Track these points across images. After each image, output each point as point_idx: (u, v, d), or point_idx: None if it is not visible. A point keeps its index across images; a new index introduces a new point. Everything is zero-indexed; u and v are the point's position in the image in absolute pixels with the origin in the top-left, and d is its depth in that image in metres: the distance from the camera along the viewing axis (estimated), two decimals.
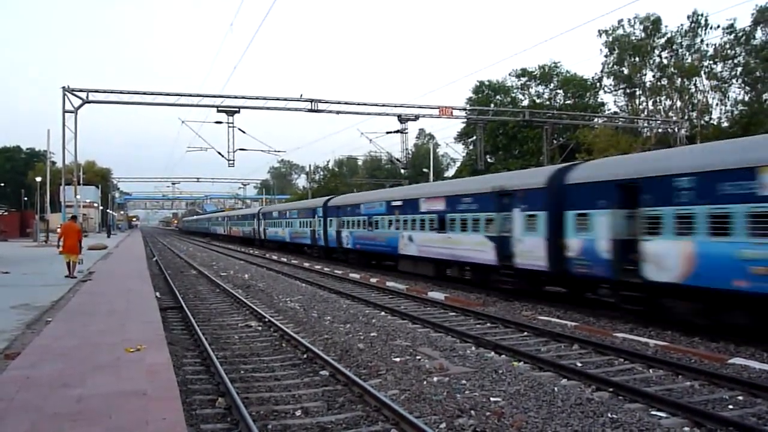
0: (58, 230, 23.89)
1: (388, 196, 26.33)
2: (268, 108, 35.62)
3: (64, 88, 32.90)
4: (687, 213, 11.49)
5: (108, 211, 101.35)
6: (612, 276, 13.40)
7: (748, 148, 11.33)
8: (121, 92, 33.40)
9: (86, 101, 33.17)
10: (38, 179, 60.59)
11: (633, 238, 12.74)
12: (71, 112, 33.12)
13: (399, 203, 24.06)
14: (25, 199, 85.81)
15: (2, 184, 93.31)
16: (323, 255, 34.49)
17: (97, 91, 33.39)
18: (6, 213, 63.07)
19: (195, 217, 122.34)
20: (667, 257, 11.86)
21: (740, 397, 7.97)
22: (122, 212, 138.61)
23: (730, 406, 7.66)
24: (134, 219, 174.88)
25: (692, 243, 11.36)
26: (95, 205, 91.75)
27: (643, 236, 12.44)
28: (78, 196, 41.26)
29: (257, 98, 34.98)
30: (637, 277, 12.58)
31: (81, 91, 33.13)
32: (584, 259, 14.05)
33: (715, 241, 10.92)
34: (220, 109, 34.49)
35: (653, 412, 7.37)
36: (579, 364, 9.77)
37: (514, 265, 16.45)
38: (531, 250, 15.77)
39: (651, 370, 9.45)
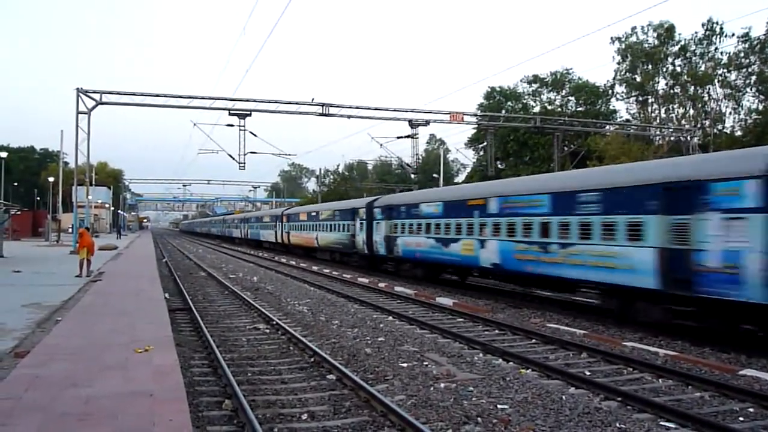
0: (70, 230, 24.19)
1: (465, 193, 21.72)
2: (279, 111, 35.95)
3: (78, 89, 33.31)
4: None
5: (119, 212, 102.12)
6: None
7: None
8: (134, 94, 33.71)
9: (99, 102, 33.58)
10: (51, 179, 61.17)
11: None
12: (84, 113, 33.52)
13: (480, 203, 19.36)
14: (38, 198, 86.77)
15: (16, 184, 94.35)
16: (367, 264, 29.29)
17: (110, 93, 33.82)
18: (19, 212, 63.54)
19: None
20: None
21: (751, 409, 7.87)
22: (133, 213, 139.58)
23: (741, 418, 7.56)
24: (145, 220, 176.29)
25: None
26: (107, 205, 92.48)
27: None
28: (90, 197, 41.65)
29: (269, 102, 35.24)
30: None
31: (94, 92, 33.55)
32: None
33: None
34: (231, 112, 34.77)
35: (662, 423, 7.29)
36: (587, 373, 9.70)
37: (701, 294, 11.48)
38: (737, 270, 10.89)
39: (660, 380, 9.36)
